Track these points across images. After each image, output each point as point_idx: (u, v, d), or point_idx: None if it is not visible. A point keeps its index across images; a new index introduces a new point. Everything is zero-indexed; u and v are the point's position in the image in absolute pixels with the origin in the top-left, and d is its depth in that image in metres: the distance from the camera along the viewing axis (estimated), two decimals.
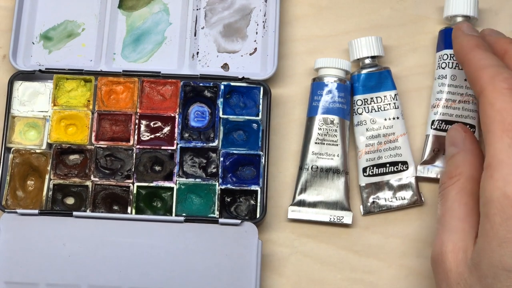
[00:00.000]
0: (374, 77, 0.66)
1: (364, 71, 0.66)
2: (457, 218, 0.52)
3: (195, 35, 0.69)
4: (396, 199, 0.65)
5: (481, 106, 0.51)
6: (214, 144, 0.65)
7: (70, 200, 0.65)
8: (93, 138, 0.65)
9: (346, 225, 0.65)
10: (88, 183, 0.64)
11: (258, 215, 0.63)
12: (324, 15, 0.70)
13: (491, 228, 0.47)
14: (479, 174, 0.50)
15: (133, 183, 0.64)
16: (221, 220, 0.62)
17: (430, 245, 0.64)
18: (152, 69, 0.67)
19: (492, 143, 0.49)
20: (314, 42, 0.69)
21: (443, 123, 0.65)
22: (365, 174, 0.65)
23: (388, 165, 0.65)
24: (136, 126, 0.65)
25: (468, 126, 0.65)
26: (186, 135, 0.65)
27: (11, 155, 0.65)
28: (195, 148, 0.65)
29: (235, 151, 0.65)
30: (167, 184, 0.64)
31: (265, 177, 0.64)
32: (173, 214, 0.64)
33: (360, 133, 0.66)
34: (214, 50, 0.68)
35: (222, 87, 0.66)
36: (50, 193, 0.64)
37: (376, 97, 0.66)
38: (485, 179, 0.49)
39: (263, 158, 0.64)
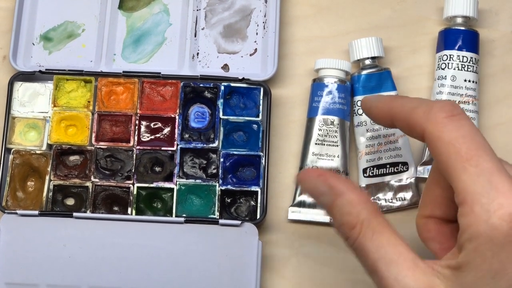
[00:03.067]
0: (374, 78, 0.66)
1: (364, 72, 0.66)
2: (396, 262, 0.46)
3: (195, 36, 0.69)
4: (397, 200, 0.65)
5: (430, 145, 0.47)
6: (214, 145, 0.65)
7: (70, 201, 0.65)
8: (93, 139, 0.65)
9: None
10: (88, 184, 0.64)
11: (258, 216, 0.63)
12: (324, 15, 0.70)
13: (483, 262, 0.45)
14: (373, 206, 0.48)
15: (133, 184, 0.64)
16: (221, 221, 0.62)
17: None
18: (152, 70, 0.67)
19: (458, 178, 0.46)
20: (314, 43, 0.69)
21: None
22: (365, 175, 0.65)
23: (388, 166, 0.65)
24: (136, 127, 0.65)
25: None
26: (186, 136, 0.65)
27: (11, 156, 0.65)
28: (195, 149, 0.65)
29: (235, 152, 0.65)
30: (167, 185, 0.64)
31: (265, 178, 0.64)
32: (173, 215, 0.64)
33: (360, 134, 0.66)
34: (214, 51, 0.68)
35: (222, 88, 0.66)
36: (50, 194, 0.64)
37: None
38: (464, 215, 0.45)
39: (263, 159, 0.64)
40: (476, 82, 0.66)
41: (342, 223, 0.48)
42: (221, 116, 0.66)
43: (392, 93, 0.66)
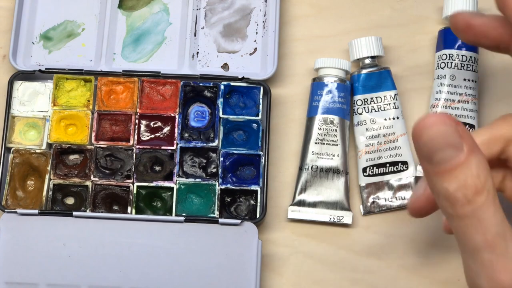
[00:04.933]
0: (374, 77, 0.66)
1: (364, 71, 0.66)
2: None
3: (195, 35, 0.69)
4: (396, 199, 0.65)
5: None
6: (214, 144, 0.65)
7: (70, 200, 0.65)
8: (93, 138, 0.65)
9: (346, 225, 0.65)
10: (88, 183, 0.64)
11: (258, 215, 0.63)
12: (324, 15, 0.70)
13: None
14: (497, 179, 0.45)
15: (133, 183, 0.64)
16: (221, 220, 0.62)
17: (430, 245, 0.64)
18: (152, 69, 0.67)
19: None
20: (314, 42, 0.69)
21: None
22: (365, 174, 0.65)
23: (388, 165, 0.65)
24: (136, 126, 0.65)
25: (467, 126, 0.65)
26: (186, 135, 0.65)
27: (11, 155, 0.65)
28: (195, 148, 0.65)
29: (235, 151, 0.65)
30: (167, 184, 0.64)
31: (265, 177, 0.64)
32: (173, 214, 0.64)
33: (360, 133, 0.66)
34: (214, 50, 0.68)
35: (222, 87, 0.66)
36: (50, 193, 0.64)
37: (376, 97, 0.66)
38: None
39: (263, 158, 0.64)
40: (475, 81, 0.66)
41: (468, 185, 0.41)
42: (221, 115, 0.66)
43: (392, 92, 0.66)
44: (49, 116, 0.66)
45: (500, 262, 0.41)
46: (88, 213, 0.63)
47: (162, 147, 0.65)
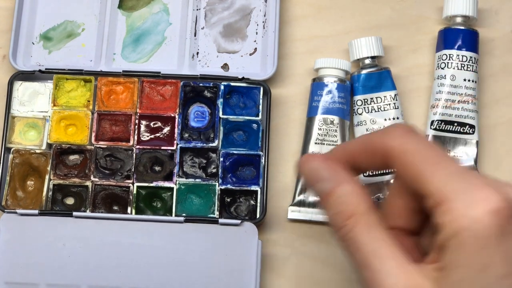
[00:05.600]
0: (374, 77, 0.66)
1: (364, 71, 0.66)
2: (390, 258, 0.45)
3: (195, 35, 0.69)
4: None
5: (395, 160, 0.47)
6: (214, 144, 0.65)
7: (70, 200, 0.65)
8: (93, 138, 0.65)
9: None
10: (88, 183, 0.64)
11: (258, 215, 0.63)
12: (324, 15, 0.70)
13: (470, 257, 0.44)
14: (371, 202, 0.47)
15: (133, 183, 0.64)
16: (221, 220, 0.62)
17: None
18: (152, 69, 0.67)
19: (430, 181, 0.45)
20: (314, 42, 0.69)
21: (443, 123, 0.65)
22: (364, 174, 0.65)
23: None
24: (136, 126, 0.65)
25: (467, 126, 0.65)
26: (186, 135, 0.65)
27: (11, 155, 0.65)
28: (195, 148, 0.65)
29: (235, 151, 0.65)
30: (167, 184, 0.64)
31: (265, 177, 0.64)
32: (173, 214, 0.64)
33: (360, 133, 0.66)
34: (214, 50, 0.68)
35: (222, 87, 0.66)
36: (50, 193, 0.64)
37: (376, 97, 0.66)
38: (442, 215, 0.44)
39: (263, 158, 0.64)
40: (475, 82, 0.66)
41: (339, 212, 0.47)
42: (220, 115, 0.66)
43: (392, 92, 0.66)
44: (49, 116, 0.66)
45: (376, 277, 0.45)
46: (88, 213, 0.63)
47: (162, 147, 0.65)
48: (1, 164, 0.64)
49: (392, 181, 0.52)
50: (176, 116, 0.66)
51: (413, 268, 0.45)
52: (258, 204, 0.64)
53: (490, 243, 0.44)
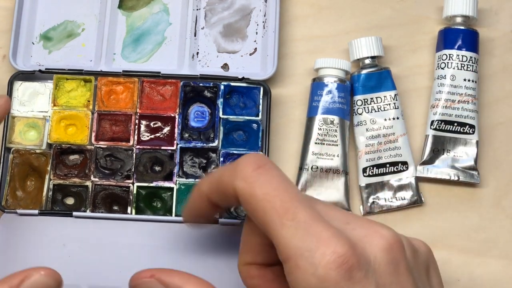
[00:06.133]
0: (374, 77, 0.66)
1: (364, 71, 0.66)
2: None
3: (195, 35, 0.69)
4: (396, 199, 0.65)
5: (244, 203, 0.47)
6: (214, 144, 0.65)
7: (70, 200, 0.65)
8: (93, 138, 0.65)
9: None
10: (88, 183, 0.64)
11: None
12: (324, 15, 0.70)
13: None
14: None
15: (133, 183, 0.64)
16: (221, 220, 0.62)
17: (430, 245, 0.64)
18: (152, 69, 0.67)
19: (277, 235, 0.45)
20: (314, 42, 0.69)
21: (442, 123, 0.65)
22: (365, 174, 0.65)
23: (388, 165, 0.65)
24: (136, 126, 0.65)
25: (467, 126, 0.65)
26: (186, 135, 0.65)
27: (11, 155, 0.65)
28: (195, 148, 0.65)
29: (235, 151, 0.65)
30: (167, 184, 0.64)
31: None
32: (173, 214, 0.64)
33: (360, 133, 0.66)
34: (214, 50, 0.68)
35: (222, 87, 0.66)
36: (50, 193, 0.64)
37: (376, 97, 0.66)
38: (291, 272, 0.44)
39: None
40: (475, 82, 0.66)
41: None
42: (220, 115, 0.66)
43: (392, 92, 0.66)
44: (49, 116, 0.66)
45: None
46: (88, 213, 0.63)
47: (162, 147, 0.65)
48: (1, 164, 0.64)
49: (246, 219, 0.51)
50: (176, 116, 0.66)
51: None
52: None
53: None
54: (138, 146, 0.65)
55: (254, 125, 0.65)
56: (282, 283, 0.48)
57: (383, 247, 0.46)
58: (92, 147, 0.65)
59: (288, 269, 0.45)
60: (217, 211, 0.53)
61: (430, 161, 0.65)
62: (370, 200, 0.65)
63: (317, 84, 0.66)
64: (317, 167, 0.65)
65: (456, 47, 0.66)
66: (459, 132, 0.66)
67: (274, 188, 0.46)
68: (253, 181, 0.46)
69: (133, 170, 0.65)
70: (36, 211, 0.63)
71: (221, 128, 0.65)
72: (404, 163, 0.65)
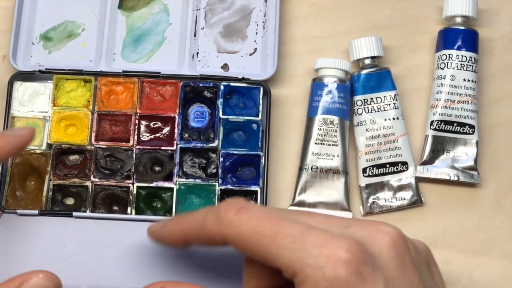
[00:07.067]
0: (374, 77, 0.66)
1: (364, 72, 0.66)
2: None
3: (195, 36, 0.69)
4: (396, 200, 0.65)
5: (237, 245, 0.48)
6: (214, 144, 0.65)
7: (70, 201, 0.65)
8: (93, 138, 0.65)
9: None
10: (88, 183, 0.64)
11: None
12: (324, 15, 0.70)
13: None
14: None
15: (133, 184, 0.64)
16: None
17: (429, 245, 0.64)
18: (152, 70, 0.67)
19: (278, 257, 0.46)
20: (314, 42, 0.69)
21: (442, 123, 0.65)
22: (365, 174, 0.65)
23: (388, 165, 0.65)
24: (136, 127, 0.66)
25: (467, 126, 0.65)
26: (186, 135, 0.65)
27: None
28: (195, 148, 0.65)
29: (235, 152, 0.65)
30: (167, 184, 0.64)
31: (265, 178, 0.64)
32: (173, 214, 0.64)
33: (360, 133, 0.66)
34: (214, 51, 0.68)
35: (222, 87, 0.66)
36: (50, 193, 0.64)
37: (376, 98, 0.66)
38: (302, 283, 0.45)
39: (263, 158, 0.64)
40: (475, 82, 0.66)
41: None
42: (220, 115, 0.66)
43: (392, 92, 0.66)
44: (49, 116, 0.66)
45: None
46: (88, 213, 0.63)
47: (162, 148, 0.65)
48: (1, 164, 0.64)
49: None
50: (176, 116, 0.66)
51: None
52: (258, 204, 0.64)
53: None
54: (138, 147, 0.65)
55: (254, 125, 0.65)
56: None
57: (387, 243, 0.46)
58: (92, 147, 0.65)
59: (299, 283, 0.45)
60: (189, 246, 0.54)
61: (430, 161, 0.65)
62: (370, 200, 0.65)
63: (317, 84, 0.66)
64: (317, 167, 0.65)
65: (456, 47, 0.66)
66: (459, 132, 0.66)
67: (258, 219, 0.47)
68: (237, 222, 0.47)
69: (133, 170, 0.65)
70: (36, 211, 0.63)
71: (221, 128, 0.65)
72: (404, 163, 0.65)
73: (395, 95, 0.66)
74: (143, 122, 0.66)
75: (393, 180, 0.65)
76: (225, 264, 0.61)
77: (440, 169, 0.65)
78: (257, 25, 0.69)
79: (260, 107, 0.66)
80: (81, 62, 0.68)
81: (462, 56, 0.66)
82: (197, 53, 0.68)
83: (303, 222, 0.47)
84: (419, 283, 0.46)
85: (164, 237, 0.54)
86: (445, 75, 0.66)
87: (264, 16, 0.69)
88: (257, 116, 0.65)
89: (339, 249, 0.44)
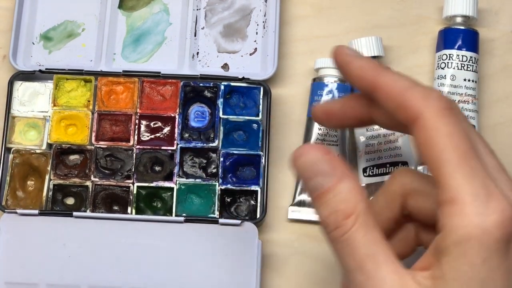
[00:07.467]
0: None
1: None
2: (385, 263, 0.43)
3: (195, 35, 0.69)
4: None
5: (422, 133, 0.44)
6: (214, 144, 0.65)
7: (70, 200, 0.65)
8: (93, 138, 0.65)
9: None
10: (88, 183, 0.64)
11: (258, 215, 0.63)
12: (324, 15, 0.70)
13: (472, 269, 0.41)
14: (368, 202, 0.44)
15: (133, 183, 0.64)
16: (221, 220, 0.62)
17: None
18: (152, 69, 0.67)
19: (450, 174, 0.42)
20: (314, 42, 0.69)
21: None
22: (365, 174, 0.65)
23: (388, 165, 0.65)
24: (136, 126, 0.66)
25: None
26: (186, 135, 0.65)
27: (11, 156, 0.65)
28: (195, 148, 0.65)
29: (235, 151, 0.65)
30: (167, 184, 0.64)
31: (265, 177, 0.64)
32: (173, 214, 0.64)
33: (360, 133, 0.66)
34: (214, 50, 0.68)
35: (222, 87, 0.66)
36: (50, 193, 0.64)
37: None
38: (453, 215, 0.42)
39: (263, 158, 0.64)
40: (475, 82, 0.66)
41: (337, 210, 0.43)
42: (221, 115, 0.66)
43: None
44: (49, 116, 0.66)
45: (370, 283, 0.43)
46: (88, 213, 0.63)
47: (162, 148, 0.65)
48: (1, 164, 0.64)
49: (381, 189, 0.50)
50: (176, 116, 0.66)
51: (407, 274, 0.43)
52: (258, 204, 0.64)
53: (495, 258, 0.42)
54: (138, 146, 0.65)
55: (254, 125, 0.65)
56: None
57: None
58: (92, 147, 0.65)
59: (450, 212, 0.42)
60: (360, 117, 0.51)
61: None
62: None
63: (317, 84, 0.66)
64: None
65: (456, 47, 0.66)
66: None
67: (459, 130, 0.43)
68: (442, 116, 0.44)
69: (133, 170, 0.65)
70: (36, 211, 0.63)
71: (221, 128, 0.65)
72: (404, 163, 0.65)
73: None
74: (143, 122, 0.66)
75: None
76: (226, 264, 0.61)
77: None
78: (257, 25, 0.69)
79: (260, 107, 0.66)
80: (81, 62, 0.68)
81: (462, 56, 0.66)
82: (197, 53, 0.68)
83: (485, 164, 0.44)
84: None
85: (355, 71, 0.48)
86: (445, 75, 0.66)
87: (264, 16, 0.69)
88: (257, 116, 0.65)
89: (506, 212, 0.42)
